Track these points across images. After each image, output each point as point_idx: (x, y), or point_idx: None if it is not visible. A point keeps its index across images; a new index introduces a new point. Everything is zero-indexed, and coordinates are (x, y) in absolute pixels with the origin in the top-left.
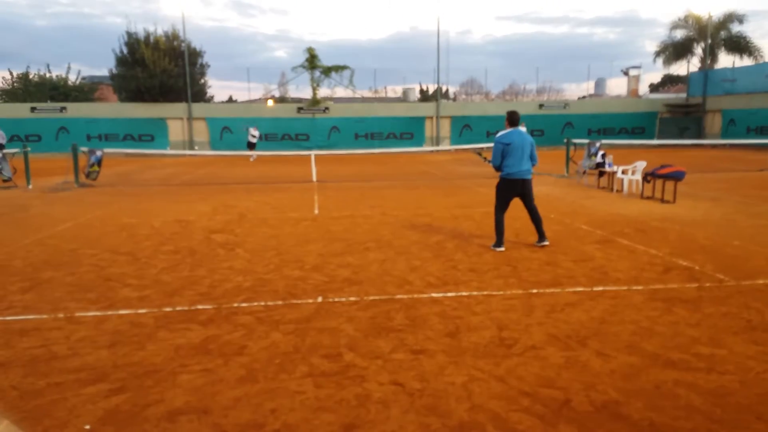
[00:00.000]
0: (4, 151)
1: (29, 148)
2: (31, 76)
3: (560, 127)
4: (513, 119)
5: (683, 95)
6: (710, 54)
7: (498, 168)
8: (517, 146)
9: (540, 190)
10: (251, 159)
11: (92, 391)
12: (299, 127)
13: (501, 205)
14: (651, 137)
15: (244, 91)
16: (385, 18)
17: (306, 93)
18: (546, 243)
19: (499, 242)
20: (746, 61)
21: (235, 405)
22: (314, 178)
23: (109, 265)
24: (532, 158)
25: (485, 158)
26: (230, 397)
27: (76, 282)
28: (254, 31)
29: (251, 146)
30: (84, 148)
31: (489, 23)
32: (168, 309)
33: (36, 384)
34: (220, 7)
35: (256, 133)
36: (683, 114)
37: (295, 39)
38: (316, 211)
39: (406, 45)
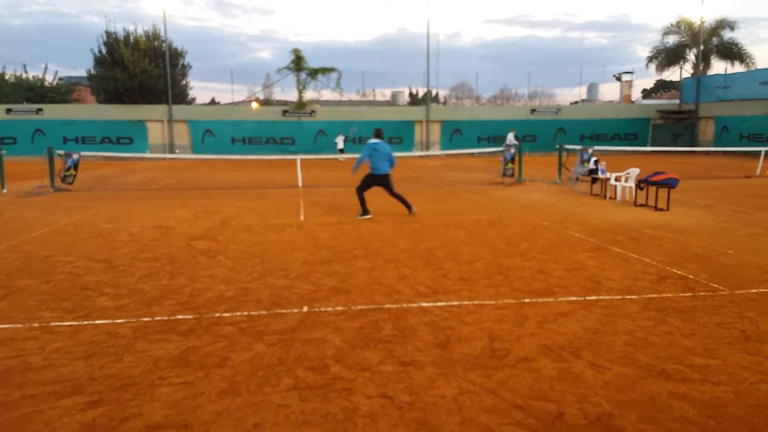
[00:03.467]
0: None
1: (4, 151)
2: (6, 77)
3: (552, 133)
4: (377, 134)
5: (676, 101)
6: (703, 60)
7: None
8: (382, 152)
9: (532, 197)
10: (342, 160)
11: (68, 403)
12: (285, 131)
13: (364, 188)
14: (644, 144)
15: (227, 93)
16: (373, 19)
17: (292, 95)
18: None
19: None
20: (738, 68)
21: (217, 419)
22: (300, 183)
23: (86, 272)
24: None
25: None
26: (211, 411)
27: (52, 290)
28: (237, 31)
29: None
30: (60, 151)
31: (479, 26)
32: (146, 319)
33: (10, 396)
34: (202, 6)
35: (340, 140)
36: (676, 120)
37: (279, 40)
38: (302, 218)
39: (394, 47)
